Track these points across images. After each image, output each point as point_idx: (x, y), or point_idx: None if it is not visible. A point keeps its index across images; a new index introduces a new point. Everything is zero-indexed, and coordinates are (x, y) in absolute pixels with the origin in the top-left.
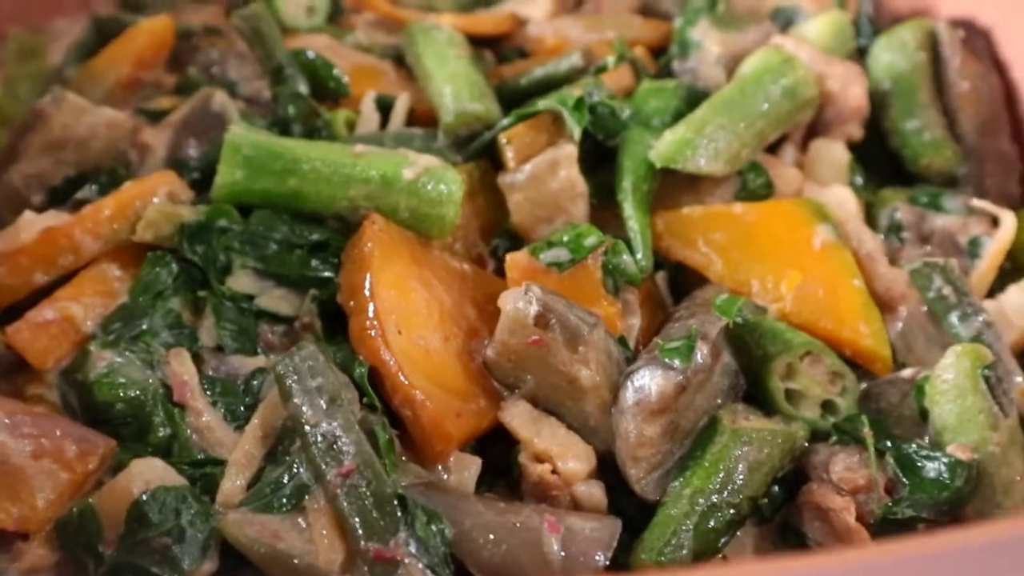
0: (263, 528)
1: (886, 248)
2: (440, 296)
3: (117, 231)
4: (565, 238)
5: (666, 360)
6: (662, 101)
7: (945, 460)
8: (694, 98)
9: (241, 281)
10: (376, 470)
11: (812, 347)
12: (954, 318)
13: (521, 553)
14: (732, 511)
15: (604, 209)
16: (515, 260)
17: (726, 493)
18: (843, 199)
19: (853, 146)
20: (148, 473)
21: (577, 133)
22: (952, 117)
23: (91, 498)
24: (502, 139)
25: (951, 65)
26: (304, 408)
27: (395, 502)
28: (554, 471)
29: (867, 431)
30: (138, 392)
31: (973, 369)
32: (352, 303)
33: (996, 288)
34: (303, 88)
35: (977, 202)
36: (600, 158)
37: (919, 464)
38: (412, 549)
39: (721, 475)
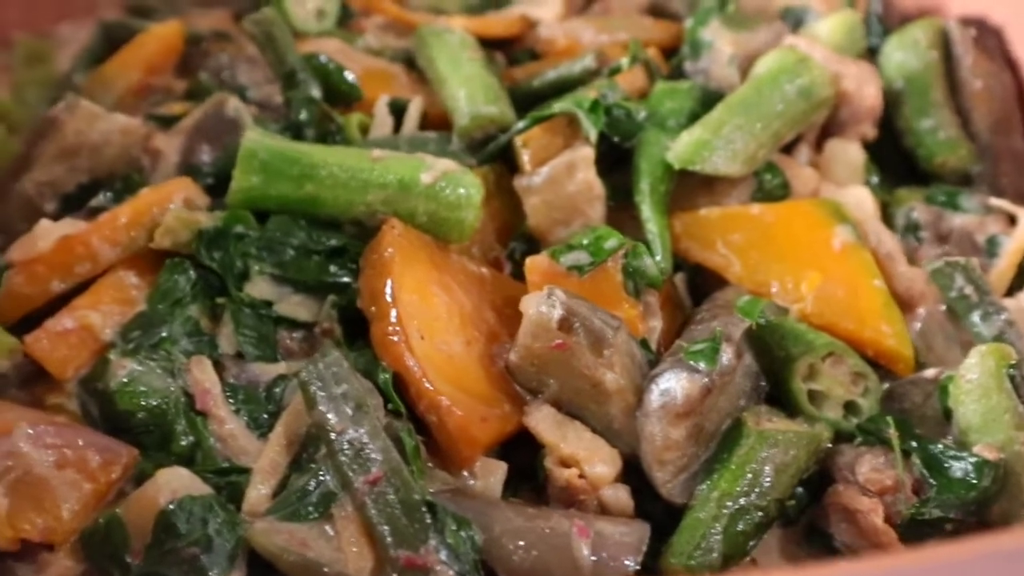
0: (291, 537)
1: (904, 247)
2: (460, 300)
3: (134, 238)
4: (585, 241)
5: (691, 363)
6: (677, 102)
7: (972, 460)
8: (708, 99)
9: (259, 287)
10: (404, 477)
11: (834, 348)
12: (976, 317)
13: (551, 559)
14: (760, 513)
15: (621, 211)
16: (535, 263)
17: (753, 495)
18: (861, 199)
19: (866, 146)
20: (175, 482)
21: (594, 135)
22: (965, 116)
23: (117, 508)
24: (518, 142)
25: (963, 63)
26: (329, 415)
27: (424, 509)
28: (581, 475)
29: (893, 431)
30: (160, 401)
31: (998, 368)
32: (373, 308)
33: (1015, 287)
34: (316, 92)
35: (995, 201)
36: (616, 160)
37: (946, 464)
38: (443, 556)
39: (748, 477)
